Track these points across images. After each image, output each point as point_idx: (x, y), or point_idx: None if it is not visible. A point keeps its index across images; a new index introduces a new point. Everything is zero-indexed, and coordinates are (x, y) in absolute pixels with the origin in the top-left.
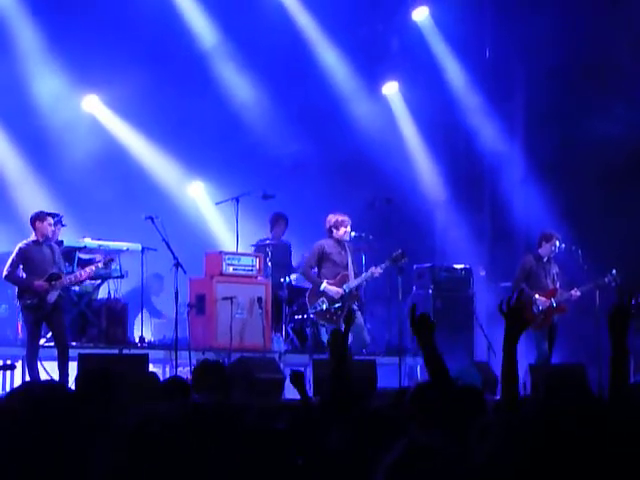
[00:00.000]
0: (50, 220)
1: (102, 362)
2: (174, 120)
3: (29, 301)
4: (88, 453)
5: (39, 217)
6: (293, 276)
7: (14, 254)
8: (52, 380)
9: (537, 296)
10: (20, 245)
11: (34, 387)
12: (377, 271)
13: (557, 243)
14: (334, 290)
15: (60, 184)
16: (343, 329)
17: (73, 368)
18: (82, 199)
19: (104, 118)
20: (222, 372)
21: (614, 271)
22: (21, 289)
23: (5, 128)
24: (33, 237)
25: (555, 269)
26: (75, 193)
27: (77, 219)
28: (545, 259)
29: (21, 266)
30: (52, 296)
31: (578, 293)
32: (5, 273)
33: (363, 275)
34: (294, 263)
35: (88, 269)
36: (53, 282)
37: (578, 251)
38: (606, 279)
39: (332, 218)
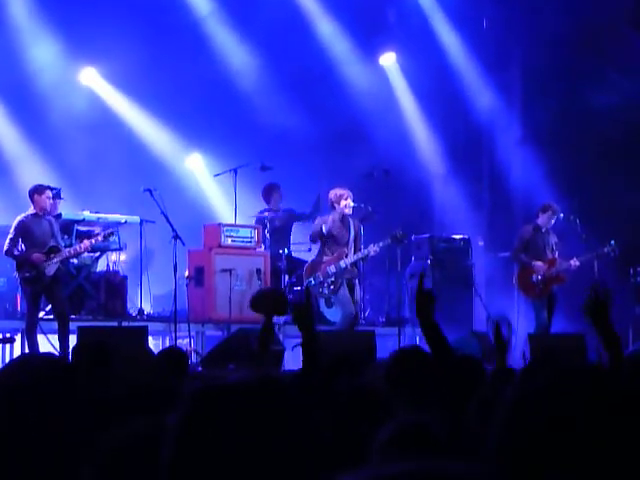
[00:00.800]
0: (49, 193)
1: (101, 335)
2: (172, 93)
3: (27, 274)
4: (87, 427)
5: (37, 190)
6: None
7: (13, 228)
8: (50, 353)
9: (536, 263)
10: (19, 218)
11: (31, 359)
12: (374, 249)
13: (554, 214)
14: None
15: (58, 157)
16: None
17: (73, 341)
18: (80, 172)
19: (102, 91)
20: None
21: (612, 242)
22: (19, 262)
23: (3, 102)
24: (32, 210)
25: (554, 239)
26: (73, 166)
27: (75, 192)
28: (544, 229)
29: (20, 239)
30: (51, 269)
31: (577, 263)
32: (5, 248)
33: (360, 253)
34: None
35: (87, 242)
36: (52, 255)
37: (576, 220)
38: (605, 249)
39: (333, 193)
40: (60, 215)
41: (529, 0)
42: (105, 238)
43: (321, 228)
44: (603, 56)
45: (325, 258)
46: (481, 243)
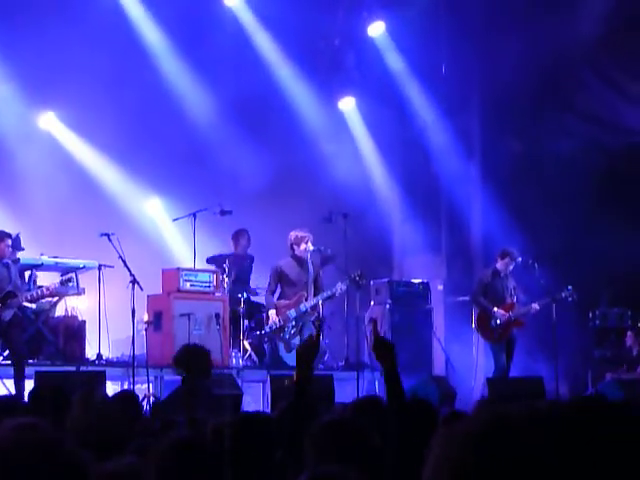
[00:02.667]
0: (8, 242)
1: (58, 379)
2: (130, 137)
3: None
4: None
5: None
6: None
7: None
8: (7, 395)
9: (495, 309)
10: None
11: None
12: (342, 287)
13: (512, 260)
14: (274, 319)
15: (16, 201)
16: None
17: (30, 386)
18: (39, 216)
19: (61, 135)
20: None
21: (570, 287)
22: None
23: None
24: None
25: (512, 283)
26: (32, 210)
27: (33, 236)
28: (502, 274)
29: None
30: (7, 314)
31: (537, 307)
32: None
33: (324, 293)
34: (253, 279)
35: (46, 287)
36: (8, 300)
37: (535, 265)
38: (563, 294)
39: (293, 234)
40: (18, 260)
41: (488, 46)
42: (63, 283)
43: (278, 272)
44: (562, 100)
45: (284, 302)
46: (440, 287)
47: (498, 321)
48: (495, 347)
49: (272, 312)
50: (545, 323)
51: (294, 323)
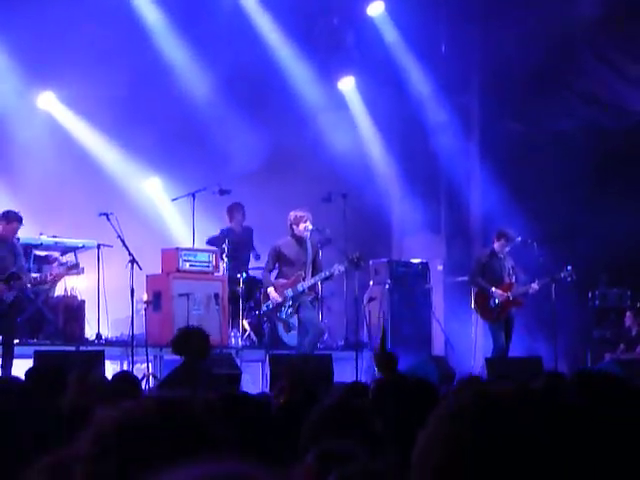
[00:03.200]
0: (17, 225)
1: (58, 359)
2: (129, 116)
3: None
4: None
5: (6, 217)
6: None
7: None
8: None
9: (493, 289)
10: None
11: None
12: (340, 268)
13: (508, 241)
14: (274, 296)
15: (15, 181)
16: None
17: (28, 365)
18: (38, 195)
19: (60, 115)
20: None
21: (569, 267)
22: None
23: None
24: None
25: (511, 263)
26: (31, 189)
27: (33, 216)
28: (500, 254)
29: None
30: (9, 296)
31: (536, 287)
32: None
33: (322, 273)
34: (259, 252)
35: (50, 272)
36: (12, 282)
37: (534, 244)
38: (562, 274)
39: (292, 215)
40: (18, 239)
41: (488, 25)
42: (69, 269)
43: (277, 251)
44: (562, 81)
45: (282, 281)
46: (440, 267)
47: (496, 301)
48: (493, 327)
49: (271, 289)
50: (545, 303)
51: (291, 302)
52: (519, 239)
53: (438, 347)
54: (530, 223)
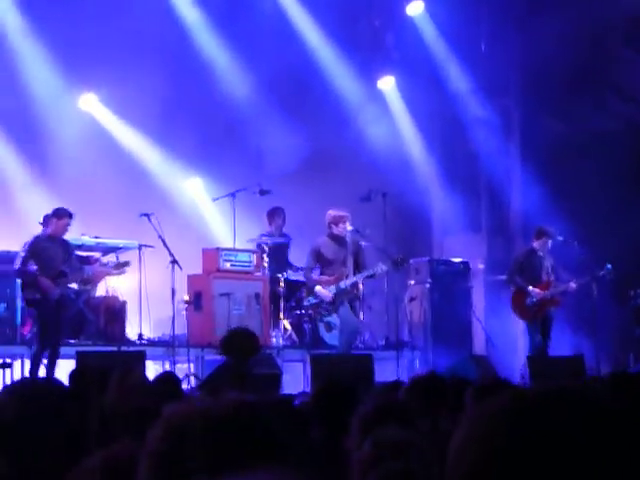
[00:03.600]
0: (68, 220)
1: (100, 359)
2: (171, 117)
3: (32, 296)
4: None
5: (58, 214)
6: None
7: (26, 247)
8: (50, 378)
9: (531, 288)
10: (32, 238)
11: (28, 384)
12: (382, 267)
13: (549, 238)
14: (324, 293)
15: (57, 182)
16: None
17: (71, 366)
18: (79, 196)
19: (101, 116)
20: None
21: (609, 265)
22: (27, 283)
23: (2, 127)
24: (47, 232)
25: (550, 262)
26: (72, 191)
27: (74, 217)
28: (540, 252)
29: (32, 259)
30: (55, 293)
31: (574, 285)
32: (17, 266)
33: (365, 271)
34: (292, 259)
35: (99, 270)
36: (58, 279)
37: (574, 243)
38: (601, 272)
39: (331, 214)
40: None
41: (527, 23)
42: (117, 267)
43: (316, 251)
44: (603, 79)
45: (325, 278)
46: (481, 266)
47: (534, 299)
48: (531, 326)
49: (319, 287)
50: (586, 302)
51: (332, 300)
52: (560, 238)
53: (479, 346)
54: (570, 222)
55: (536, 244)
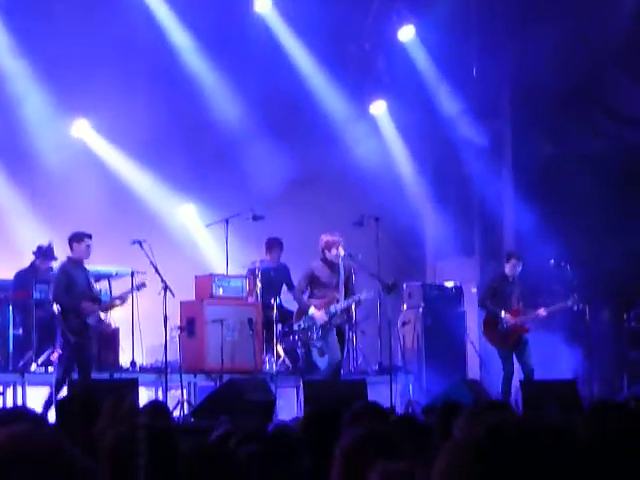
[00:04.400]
0: (88, 241)
1: (91, 387)
2: (163, 143)
3: (73, 324)
4: None
5: (76, 237)
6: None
7: (57, 275)
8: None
9: (503, 314)
10: (59, 265)
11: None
12: (365, 296)
13: (517, 264)
14: (318, 316)
15: (49, 209)
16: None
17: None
18: (71, 223)
19: (93, 143)
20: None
21: (576, 295)
22: (67, 311)
23: None
24: (72, 258)
25: (519, 289)
26: (64, 218)
27: (66, 243)
28: (510, 278)
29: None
30: (91, 320)
31: (544, 313)
32: (53, 295)
33: (350, 298)
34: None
35: (118, 296)
36: (96, 305)
37: (567, 267)
38: (569, 302)
39: (324, 238)
40: (51, 268)
41: (518, 47)
42: (139, 289)
43: (310, 274)
44: (593, 101)
45: (316, 302)
46: (474, 290)
47: (505, 325)
48: (502, 352)
49: (313, 309)
50: (580, 325)
51: (322, 324)
52: (552, 261)
53: (473, 370)
54: (563, 243)
55: (507, 269)
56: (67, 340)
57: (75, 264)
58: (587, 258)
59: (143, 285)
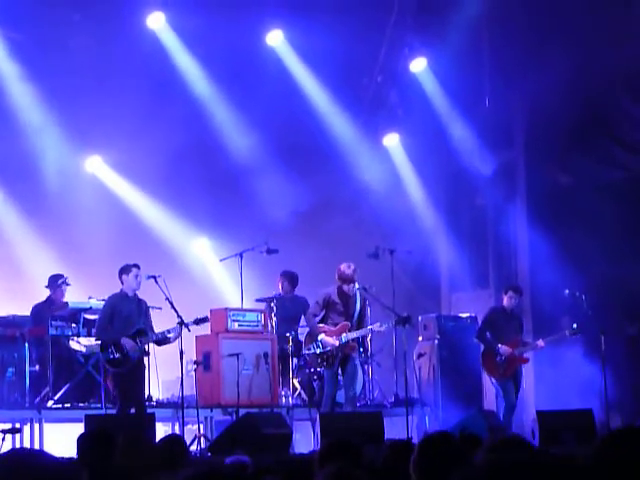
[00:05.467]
0: (136, 271)
1: (107, 422)
2: (176, 179)
3: (112, 356)
4: None
5: (125, 270)
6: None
7: (104, 308)
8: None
9: (499, 345)
10: (108, 299)
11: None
12: (378, 327)
13: (515, 294)
14: (329, 342)
15: (64, 245)
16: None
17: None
18: (85, 259)
19: (107, 178)
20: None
21: (575, 325)
22: (108, 343)
23: (6, 190)
24: (122, 290)
25: (518, 320)
26: (79, 253)
27: (81, 279)
28: (509, 310)
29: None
30: (135, 354)
31: (542, 344)
32: (97, 330)
33: (362, 330)
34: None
35: (169, 330)
36: (138, 339)
37: (582, 297)
38: (567, 332)
39: (341, 269)
40: (67, 304)
41: (531, 77)
42: (197, 323)
43: (326, 299)
44: (606, 131)
45: (327, 328)
46: None
47: (503, 357)
48: (501, 383)
49: (323, 335)
50: (595, 354)
51: (332, 351)
52: (567, 291)
53: (489, 401)
54: (578, 275)
55: (505, 301)
56: (107, 373)
57: (125, 297)
58: (602, 287)
59: (205, 320)
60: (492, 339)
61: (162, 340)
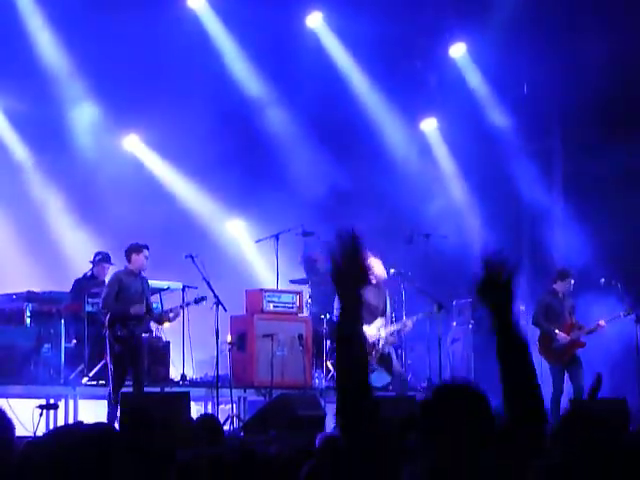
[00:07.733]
0: (146, 252)
1: (143, 401)
2: (213, 158)
3: (119, 332)
4: None
5: (135, 249)
6: None
7: (108, 283)
8: (100, 423)
9: (557, 332)
10: (113, 273)
11: (75, 429)
12: (409, 325)
13: (571, 281)
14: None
15: (102, 224)
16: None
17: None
18: (123, 238)
19: (144, 157)
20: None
21: (629, 307)
22: (113, 319)
23: (47, 169)
24: (128, 268)
25: (571, 303)
26: (116, 232)
27: (118, 258)
28: (561, 294)
29: (115, 295)
30: (139, 330)
31: (603, 323)
32: (102, 303)
33: (395, 326)
34: None
35: (170, 309)
36: (146, 315)
37: (618, 285)
38: (621, 313)
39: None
40: (104, 281)
41: (569, 63)
42: (197, 302)
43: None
44: None
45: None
46: (523, 307)
47: (560, 343)
48: (554, 369)
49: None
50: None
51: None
52: (602, 280)
53: None
54: (614, 264)
55: (557, 286)
56: (112, 350)
57: (131, 274)
58: (637, 277)
59: (203, 299)
60: (549, 325)
61: (161, 319)
